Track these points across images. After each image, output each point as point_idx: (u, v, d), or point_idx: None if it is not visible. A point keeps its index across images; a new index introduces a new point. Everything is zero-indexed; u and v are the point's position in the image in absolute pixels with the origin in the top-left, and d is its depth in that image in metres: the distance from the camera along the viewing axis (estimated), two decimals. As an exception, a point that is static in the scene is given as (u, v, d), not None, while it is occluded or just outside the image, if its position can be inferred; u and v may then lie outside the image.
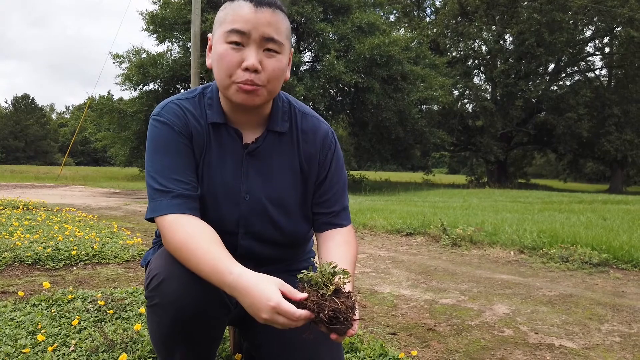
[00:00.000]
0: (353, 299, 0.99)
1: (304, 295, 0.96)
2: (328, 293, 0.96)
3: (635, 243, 4.23)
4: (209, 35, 1.21)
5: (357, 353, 1.83)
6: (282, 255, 1.36)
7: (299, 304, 0.97)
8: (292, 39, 1.22)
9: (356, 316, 0.98)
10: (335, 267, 1.01)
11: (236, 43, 1.12)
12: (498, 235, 4.84)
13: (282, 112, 1.28)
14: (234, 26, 1.11)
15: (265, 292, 0.96)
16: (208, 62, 1.21)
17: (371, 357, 1.81)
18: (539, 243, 4.44)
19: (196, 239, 1.08)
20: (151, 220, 1.18)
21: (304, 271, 1.03)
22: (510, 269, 3.81)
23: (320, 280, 0.98)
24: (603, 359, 1.98)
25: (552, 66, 28.15)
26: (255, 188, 1.25)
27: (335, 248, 1.26)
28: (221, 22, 1.15)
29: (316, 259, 1.52)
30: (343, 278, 1.00)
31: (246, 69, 1.12)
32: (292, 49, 1.23)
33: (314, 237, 1.45)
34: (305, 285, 1.00)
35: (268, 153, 1.27)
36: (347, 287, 1.02)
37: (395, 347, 2.02)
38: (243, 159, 1.25)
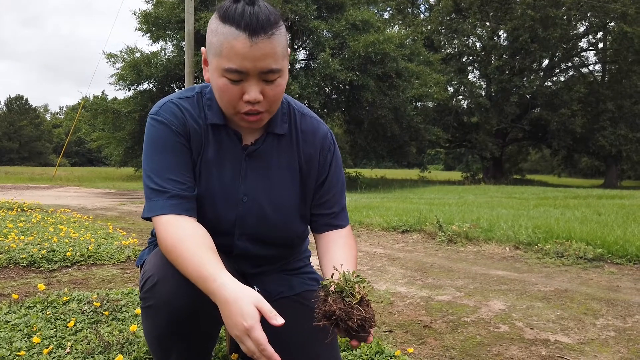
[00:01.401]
0: (372, 307, 1.02)
1: (282, 321, 0.95)
2: (354, 302, 0.99)
3: (630, 238, 4.26)
4: (203, 49, 1.18)
5: (354, 351, 1.83)
6: (279, 255, 1.36)
7: (326, 311, 0.98)
8: (287, 37, 1.19)
9: (375, 324, 1.01)
10: (358, 275, 1.03)
11: (235, 79, 1.09)
12: (493, 232, 4.85)
13: (281, 113, 1.28)
14: (230, 65, 1.06)
15: (242, 310, 0.95)
16: (206, 76, 1.19)
17: (368, 355, 1.82)
18: (534, 239, 4.45)
19: (186, 242, 1.07)
20: (148, 219, 1.18)
21: (327, 278, 1.05)
22: (506, 265, 3.82)
23: (346, 288, 1.00)
24: (598, 353, 1.99)
25: (546, 62, 28.24)
26: (253, 190, 1.25)
27: (337, 250, 1.26)
28: (216, 51, 1.08)
29: (312, 259, 1.53)
30: (364, 286, 1.02)
31: (248, 101, 1.10)
32: (289, 49, 1.21)
33: (309, 237, 1.45)
34: (330, 292, 1.01)
35: (267, 155, 1.26)
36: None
37: (392, 345, 2.03)
38: (242, 161, 1.24)
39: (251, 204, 1.25)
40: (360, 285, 1.01)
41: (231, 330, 0.97)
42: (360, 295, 1.00)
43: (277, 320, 0.95)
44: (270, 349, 0.93)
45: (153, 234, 1.41)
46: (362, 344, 1.88)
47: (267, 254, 1.32)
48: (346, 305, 0.98)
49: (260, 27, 1.04)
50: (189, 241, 1.08)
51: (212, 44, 1.09)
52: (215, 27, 1.08)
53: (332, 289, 1.01)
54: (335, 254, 1.24)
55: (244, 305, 0.95)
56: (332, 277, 1.06)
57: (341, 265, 1.15)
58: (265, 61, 1.06)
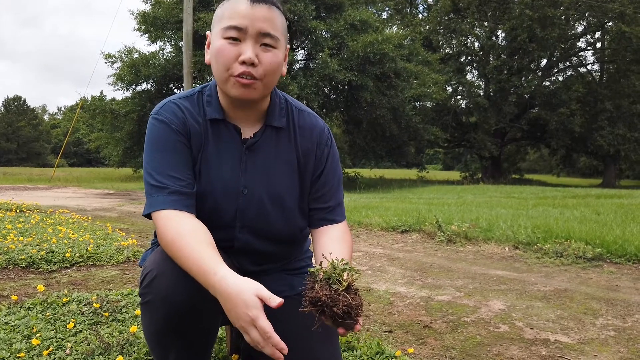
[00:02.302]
0: (360, 296, 1.02)
1: (280, 300, 0.96)
2: (341, 288, 0.99)
3: (629, 237, 4.27)
4: (208, 32, 1.24)
5: (354, 352, 1.83)
6: (280, 251, 1.37)
7: (312, 297, 0.98)
8: (286, 25, 1.25)
9: (362, 312, 1.01)
10: (346, 263, 1.04)
11: (233, 38, 1.15)
12: (493, 231, 4.86)
13: (279, 108, 1.31)
14: (230, 22, 1.14)
15: (245, 301, 0.96)
16: (206, 58, 1.24)
17: (368, 355, 1.82)
18: (534, 238, 4.46)
19: (186, 236, 1.09)
20: (149, 217, 1.18)
21: (315, 266, 1.05)
22: (505, 265, 3.83)
23: (333, 275, 1.01)
24: (598, 353, 2.00)
25: (544, 62, 28.26)
26: (253, 182, 1.27)
27: (332, 244, 1.27)
28: (219, 18, 1.18)
29: (313, 259, 1.53)
30: (352, 275, 1.02)
31: (243, 63, 1.14)
32: (288, 45, 1.25)
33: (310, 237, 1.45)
34: (317, 279, 1.01)
35: (266, 148, 1.28)
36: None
37: (392, 345, 2.03)
38: (242, 154, 1.26)
39: (251, 196, 1.26)
40: (349, 273, 1.02)
41: (236, 322, 0.99)
42: (347, 283, 1.00)
43: (275, 300, 0.96)
44: (276, 337, 0.95)
45: (156, 235, 1.41)
46: (362, 344, 1.89)
47: (268, 250, 1.33)
48: (332, 291, 0.98)
49: None
50: (189, 236, 1.09)
51: (216, 15, 1.20)
52: (222, 4, 1.20)
53: (320, 276, 1.02)
54: (328, 248, 1.25)
55: (246, 296, 0.97)
56: (320, 264, 1.06)
57: (330, 253, 1.16)
58: (263, 23, 1.15)
